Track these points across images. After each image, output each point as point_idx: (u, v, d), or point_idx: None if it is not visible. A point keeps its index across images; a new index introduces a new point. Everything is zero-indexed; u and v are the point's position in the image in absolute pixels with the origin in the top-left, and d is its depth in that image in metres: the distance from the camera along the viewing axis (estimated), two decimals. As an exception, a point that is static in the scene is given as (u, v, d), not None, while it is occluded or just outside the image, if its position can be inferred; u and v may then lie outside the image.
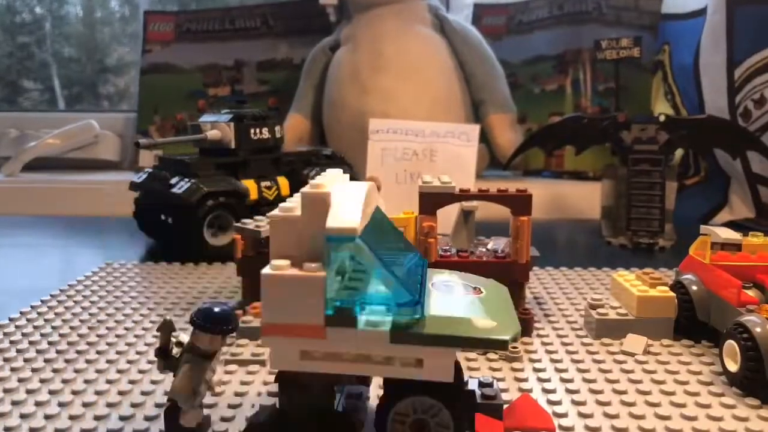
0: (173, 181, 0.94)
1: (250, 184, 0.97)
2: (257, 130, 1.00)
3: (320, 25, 1.58)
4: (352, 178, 1.14)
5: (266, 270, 0.38)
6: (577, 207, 1.30)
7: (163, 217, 0.97)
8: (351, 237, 0.37)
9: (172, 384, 0.42)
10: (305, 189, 0.39)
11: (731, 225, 0.76)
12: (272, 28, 1.67)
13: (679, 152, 1.29)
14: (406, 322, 0.38)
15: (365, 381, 0.48)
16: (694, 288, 0.62)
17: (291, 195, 1.11)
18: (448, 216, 0.71)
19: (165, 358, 0.43)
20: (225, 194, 0.93)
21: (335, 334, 0.38)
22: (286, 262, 0.38)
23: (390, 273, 0.38)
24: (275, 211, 0.40)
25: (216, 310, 0.42)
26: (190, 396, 0.42)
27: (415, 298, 0.38)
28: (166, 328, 0.43)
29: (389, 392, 0.41)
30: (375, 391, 0.49)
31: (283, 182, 1.01)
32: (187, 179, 0.93)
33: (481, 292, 0.44)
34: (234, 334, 0.61)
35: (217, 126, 0.99)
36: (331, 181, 0.42)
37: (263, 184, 0.99)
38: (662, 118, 1.07)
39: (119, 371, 0.55)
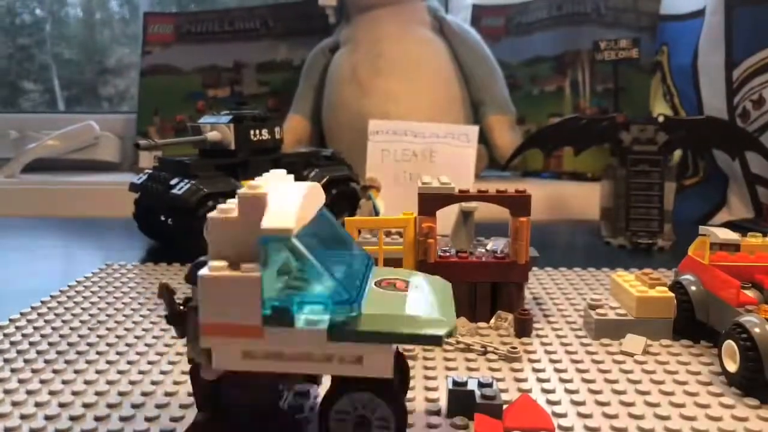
0: (173, 182, 0.94)
1: (249, 186, 0.97)
2: (257, 132, 1.00)
3: (320, 27, 1.58)
4: (351, 179, 1.14)
5: (203, 271, 0.38)
6: (576, 207, 1.30)
7: (162, 218, 0.97)
8: (285, 237, 0.37)
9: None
10: (242, 190, 0.39)
11: (729, 225, 0.77)
12: (272, 29, 1.67)
13: (677, 153, 1.29)
14: (343, 319, 0.38)
15: (315, 379, 0.47)
16: (693, 288, 0.62)
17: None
18: (447, 217, 0.71)
19: (177, 323, 0.42)
20: (225, 195, 0.93)
21: (274, 333, 0.38)
22: (223, 263, 0.38)
23: (327, 272, 0.38)
24: (214, 212, 0.40)
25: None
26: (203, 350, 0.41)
27: (352, 296, 0.38)
28: (167, 292, 0.42)
29: (331, 389, 0.41)
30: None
31: (282, 183, 1.01)
32: (186, 180, 0.93)
33: (424, 289, 0.44)
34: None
35: (217, 127, 0.99)
36: (271, 181, 0.42)
37: (263, 185, 0.99)
38: (661, 119, 1.07)
39: (119, 372, 0.55)
